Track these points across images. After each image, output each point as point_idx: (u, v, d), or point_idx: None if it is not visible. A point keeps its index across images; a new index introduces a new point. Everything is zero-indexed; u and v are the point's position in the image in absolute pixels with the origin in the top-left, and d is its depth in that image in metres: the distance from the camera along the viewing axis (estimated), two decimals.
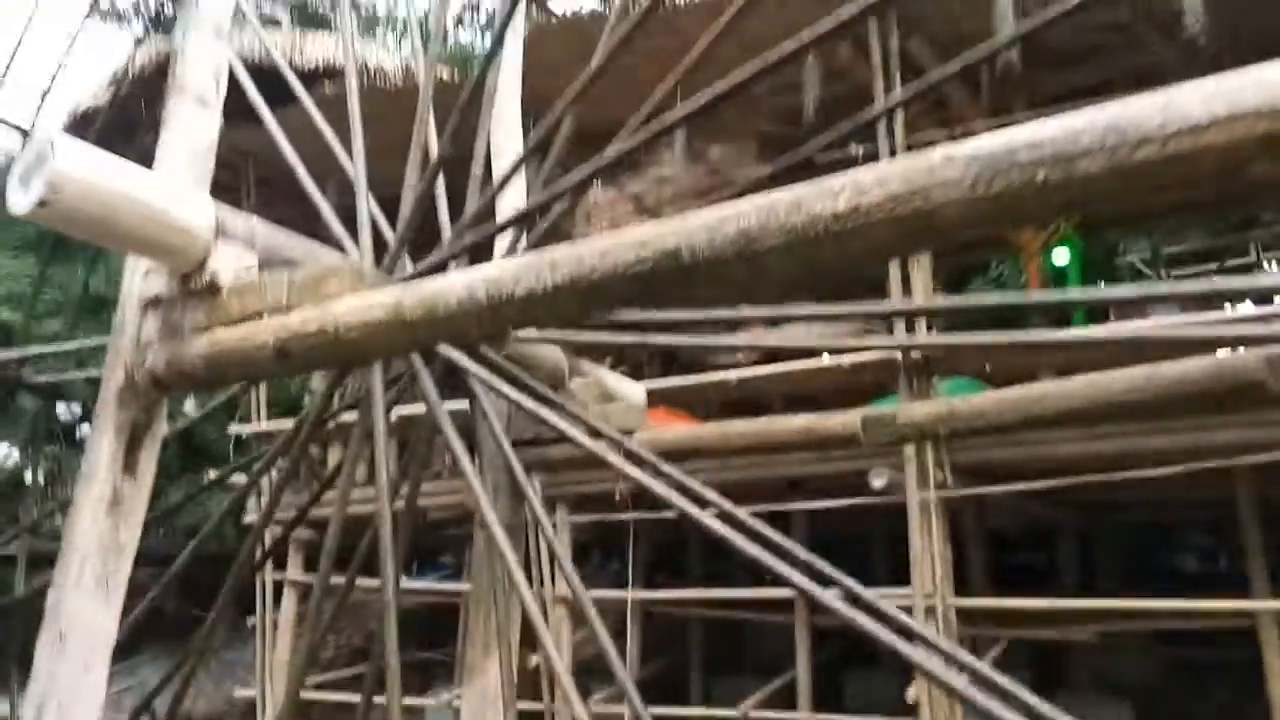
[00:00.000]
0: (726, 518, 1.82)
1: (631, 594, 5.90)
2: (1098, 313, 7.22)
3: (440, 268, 2.22)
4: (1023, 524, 8.35)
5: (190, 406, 10.56)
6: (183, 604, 9.68)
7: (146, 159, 2.42)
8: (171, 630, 9.72)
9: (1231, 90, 1.14)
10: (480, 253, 2.30)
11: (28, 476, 12.05)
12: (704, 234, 1.55)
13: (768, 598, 5.80)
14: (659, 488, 1.86)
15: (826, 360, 5.49)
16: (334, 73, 7.79)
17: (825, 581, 1.67)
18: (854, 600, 1.62)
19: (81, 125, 8.02)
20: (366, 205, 2.61)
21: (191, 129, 2.50)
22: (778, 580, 1.67)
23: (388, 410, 2.61)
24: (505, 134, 3.34)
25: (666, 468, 1.92)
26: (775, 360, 6.07)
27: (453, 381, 2.32)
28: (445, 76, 6.74)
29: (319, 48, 8.46)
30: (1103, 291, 6.88)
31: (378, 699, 2.24)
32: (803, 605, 5.96)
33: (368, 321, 2.05)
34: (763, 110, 6.06)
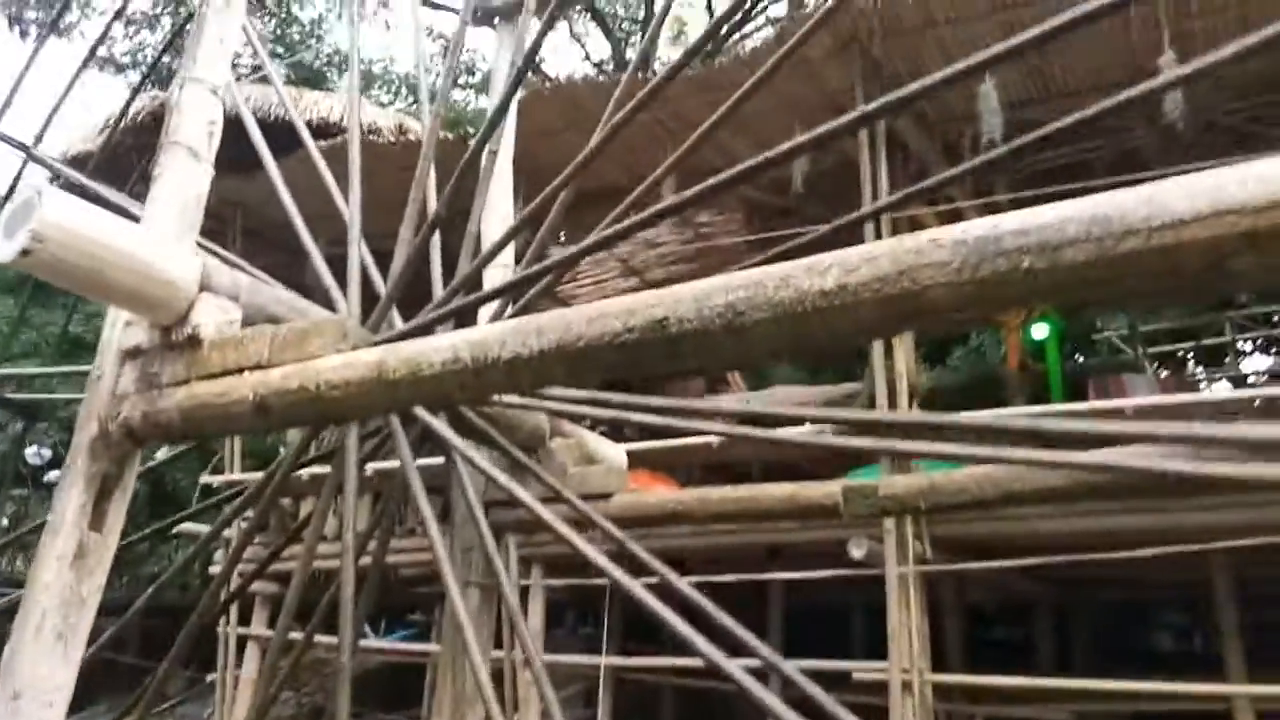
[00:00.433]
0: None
1: (605, 660, 5.79)
2: (1076, 389, 7.29)
3: (426, 330, 2.21)
4: (1000, 598, 8.31)
5: (162, 451, 10.42)
6: (142, 655, 9.43)
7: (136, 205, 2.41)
8: (130, 682, 9.45)
9: (1214, 187, 1.16)
10: (466, 316, 2.30)
11: None
12: (692, 305, 1.55)
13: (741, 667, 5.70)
14: (603, 560, 1.83)
15: (808, 429, 5.48)
16: (328, 129, 7.87)
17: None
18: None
19: (72, 169, 8.02)
20: (358, 258, 2.61)
21: (182, 181, 2.50)
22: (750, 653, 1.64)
23: (362, 464, 2.58)
24: (496, 192, 3.38)
25: (629, 542, 1.90)
26: (757, 424, 6.06)
27: (431, 437, 2.30)
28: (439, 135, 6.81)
29: (313, 104, 8.56)
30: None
31: None
32: (776, 677, 5.85)
33: (349, 380, 2.04)
34: (751, 180, 6.12)
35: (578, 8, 19.77)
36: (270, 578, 7.46)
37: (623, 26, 21.71)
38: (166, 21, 20.44)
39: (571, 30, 21.54)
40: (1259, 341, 12.81)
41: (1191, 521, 4.50)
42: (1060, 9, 1.41)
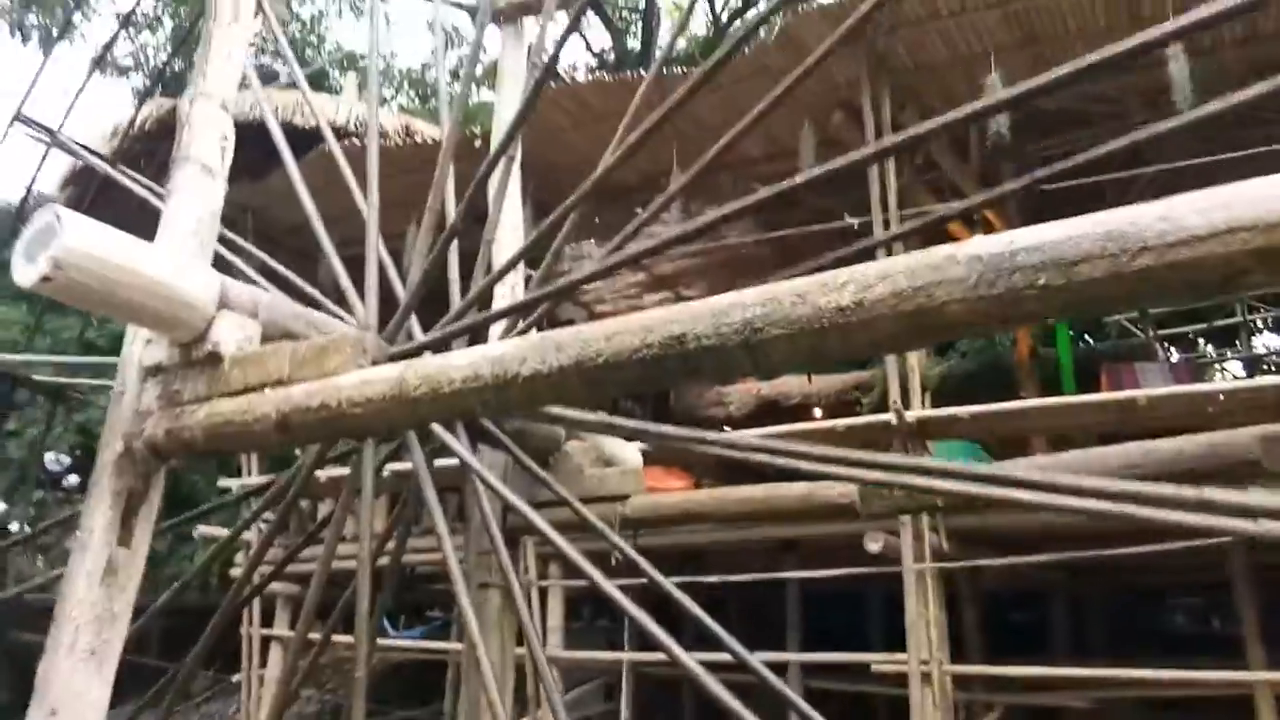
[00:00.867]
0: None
1: (626, 656, 5.83)
2: (1087, 374, 7.27)
3: (442, 343, 2.24)
4: (1015, 586, 8.32)
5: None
6: (164, 657, 9.52)
7: (145, 214, 2.43)
8: (153, 684, 9.54)
9: (1228, 203, 1.17)
10: (479, 329, 2.32)
11: (13, 526, 11.92)
12: (709, 322, 1.57)
13: (762, 661, 5.73)
14: (617, 594, 1.86)
15: (821, 422, 5.50)
16: (334, 133, 7.86)
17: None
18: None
19: (80, 178, 8.07)
20: (376, 264, 2.61)
21: (197, 197, 2.52)
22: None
23: (380, 467, 2.61)
24: (505, 197, 3.39)
25: (644, 565, 1.92)
26: (771, 415, 6.08)
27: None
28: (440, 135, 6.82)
29: (319, 109, 8.55)
30: None
31: None
32: (795, 668, 5.90)
33: (370, 397, 2.06)
34: (758, 175, 6.16)
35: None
36: (291, 579, 7.53)
37: (623, 17, 21.64)
38: (168, 23, 20.43)
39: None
40: (1270, 320, 12.75)
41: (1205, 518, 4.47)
42: None
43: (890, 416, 4.79)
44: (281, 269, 3.03)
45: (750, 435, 6.03)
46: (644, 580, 2.06)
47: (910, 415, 4.85)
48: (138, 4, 17.51)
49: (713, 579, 4.92)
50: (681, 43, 17.94)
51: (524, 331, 2.55)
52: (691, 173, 1.86)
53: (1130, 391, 5.14)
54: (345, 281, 2.71)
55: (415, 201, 3.55)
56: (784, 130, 6.01)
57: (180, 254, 2.39)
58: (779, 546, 5.91)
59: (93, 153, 3.91)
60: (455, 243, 2.70)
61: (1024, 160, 6.28)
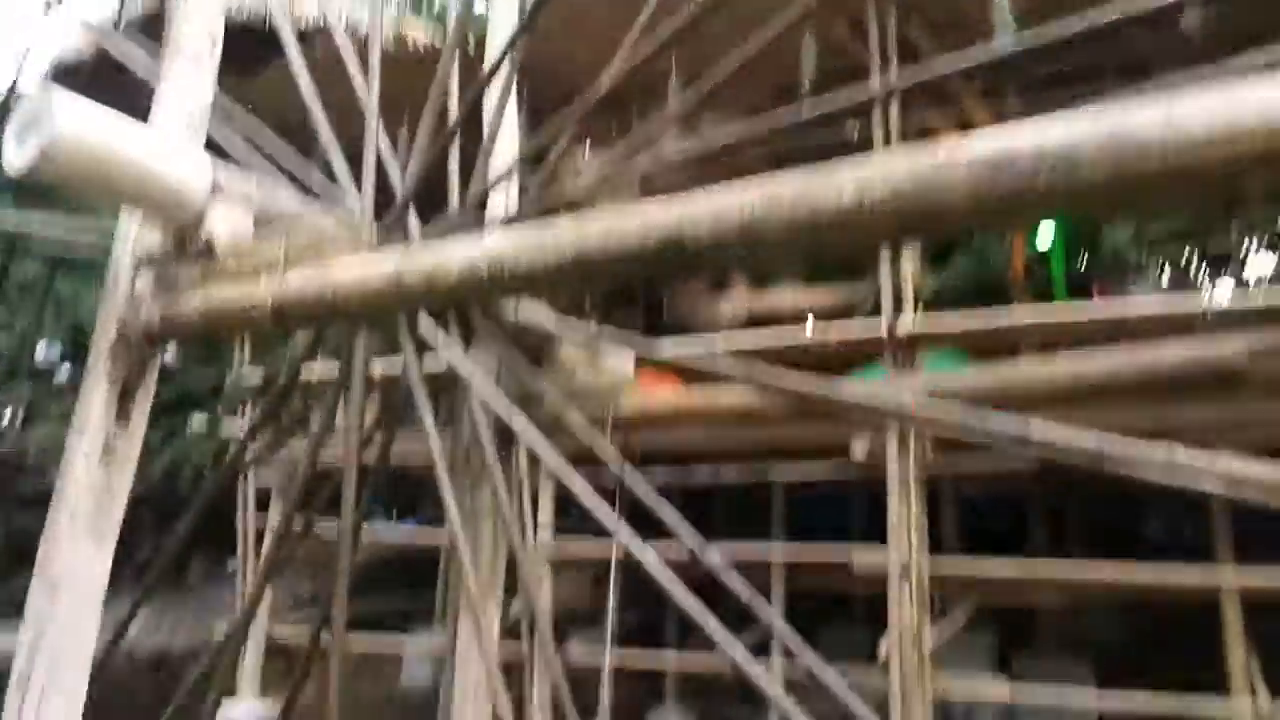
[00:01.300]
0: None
1: (615, 546, 5.93)
2: (1080, 292, 7.27)
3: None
4: (996, 491, 8.50)
5: (170, 355, 10.47)
6: (160, 545, 9.71)
7: (133, 111, 2.38)
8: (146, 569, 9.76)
9: (1232, 106, 1.16)
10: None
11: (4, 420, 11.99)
12: (708, 219, 1.57)
13: (745, 559, 5.92)
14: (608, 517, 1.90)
15: (812, 332, 5.53)
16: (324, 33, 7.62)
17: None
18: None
19: (66, 75, 7.80)
20: (375, 157, 2.57)
21: (187, 88, 2.47)
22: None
23: (369, 361, 2.62)
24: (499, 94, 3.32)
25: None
26: (761, 324, 6.09)
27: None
28: (435, 40, 6.64)
29: (308, 7, 8.25)
30: None
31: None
32: (778, 564, 6.06)
33: (366, 287, 2.06)
34: (758, 84, 5.99)
35: None
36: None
37: None
38: None
39: None
40: (1265, 241, 12.69)
41: (1189, 419, 4.57)
42: None
43: (881, 325, 4.80)
44: (275, 160, 2.99)
45: (743, 337, 6.07)
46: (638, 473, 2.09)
47: (902, 324, 4.87)
48: None
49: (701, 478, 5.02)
50: None
51: None
52: (698, 93, 1.83)
53: (1122, 302, 5.17)
54: (344, 175, 2.67)
55: (404, 107, 3.47)
56: (785, 38, 5.78)
57: (173, 140, 2.35)
58: (766, 451, 6.00)
59: (64, 70, 3.79)
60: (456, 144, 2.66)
61: (1029, 77, 6.13)
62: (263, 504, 7.75)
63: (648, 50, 1.92)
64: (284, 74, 2.84)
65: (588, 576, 7.70)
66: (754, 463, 5.93)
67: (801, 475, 5.67)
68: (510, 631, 2.75)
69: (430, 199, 2.48)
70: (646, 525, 1.99)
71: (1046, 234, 8.01)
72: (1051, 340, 4.54)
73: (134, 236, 2.44)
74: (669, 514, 1.81)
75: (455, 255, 1.91)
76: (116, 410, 2.35)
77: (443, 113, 2.51)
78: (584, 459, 2.05)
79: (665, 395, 4.52)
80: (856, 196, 1.40)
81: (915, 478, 4.95)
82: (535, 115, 3.22)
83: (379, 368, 3.14)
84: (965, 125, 5.86)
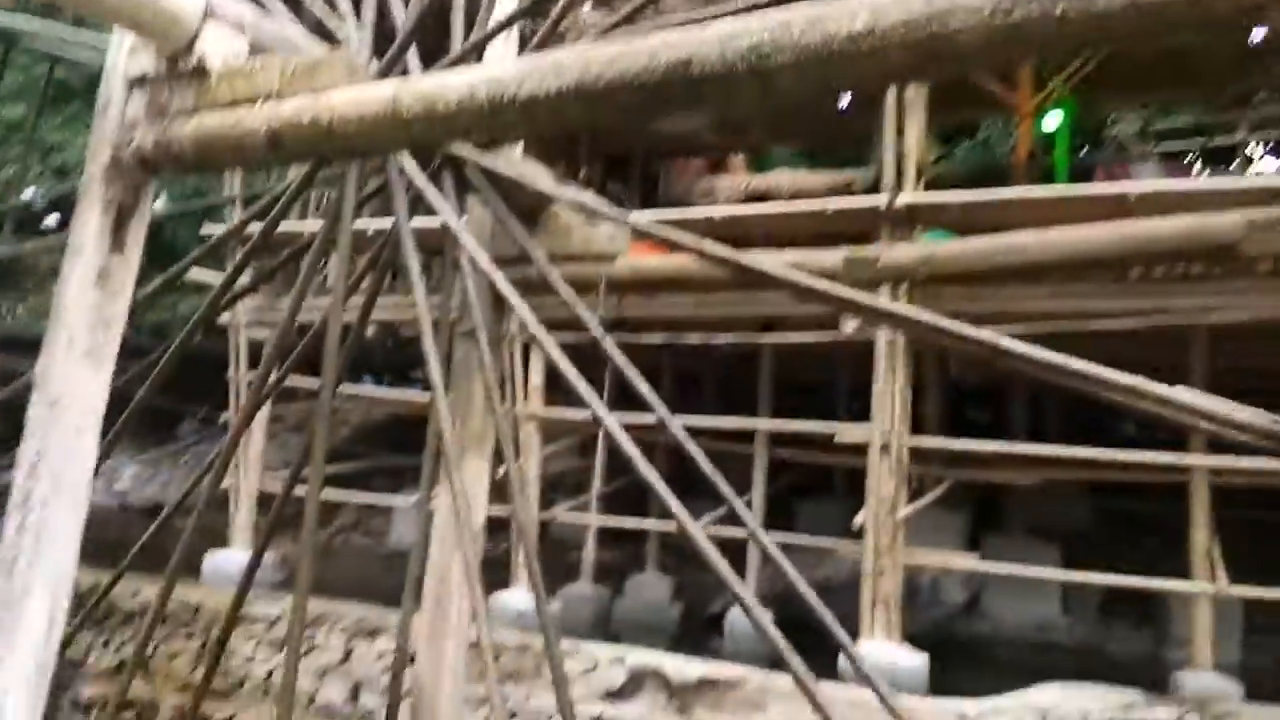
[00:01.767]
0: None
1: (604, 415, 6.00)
2: (1083, 177, 7.21)
3: None
4: (978, 377, 8.61)
5: (160, 204, 10.34)
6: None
7: None
8: (141, 423, 9.88)
9: None
10: None
11: None
12: (716, 46, 1.53)
13: (731, 428, 6.03)
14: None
15: (810, 204, 5.49)
16: None
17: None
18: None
19: None
20: None
21: None
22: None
23: (359, 209, 2.58)
24: None
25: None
26: (760, 200, 6.05)
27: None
28: None
29: None
30: None
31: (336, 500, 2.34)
32: (763, 437, 6.19)
33: (363, 115, 2.03)
34: None
35: None
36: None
37: None
38: None
39: None
40: (1270, 144, 12.51)
41: (1175, 304, 4.61)
42: None
43: (880, 199, 4.77)
44: None
45: (741, 210, 6.02)
46: (630, 341, 2.09)
47: (901, 199, 4.84)
48: None
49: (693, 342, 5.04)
50: None
51: None
52: None
53: (1122, 184, 5.13)
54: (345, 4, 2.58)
55: None
56: None
57: None
58: (758, 325, 6.04)
59: None
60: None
61: None
62: (256, 361, 7.81)
63: None
64: None
65: (572, 444, 7.85)
66: (744, 340, 5.98)
67: (792, 341, 5.70)
68: (500, 492, 2.79)
69: (429, 58, 2.41)
70: (633, 395, 2.00)
71: (1054, 117, 7.89)
72: (1049, 222, 4.52)
73: (125, 58, 2.37)
74: (640, 383, 1.83)
75: (454, 82, 1.87)
76: (111, 239, 2.34)
77: None
78: (574, 325, 2.05)
79: (659, 257, 4.51)
80: (870, 22, 1.37)
81: (902, 349, 5.01)
82: None
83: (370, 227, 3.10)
84: None
